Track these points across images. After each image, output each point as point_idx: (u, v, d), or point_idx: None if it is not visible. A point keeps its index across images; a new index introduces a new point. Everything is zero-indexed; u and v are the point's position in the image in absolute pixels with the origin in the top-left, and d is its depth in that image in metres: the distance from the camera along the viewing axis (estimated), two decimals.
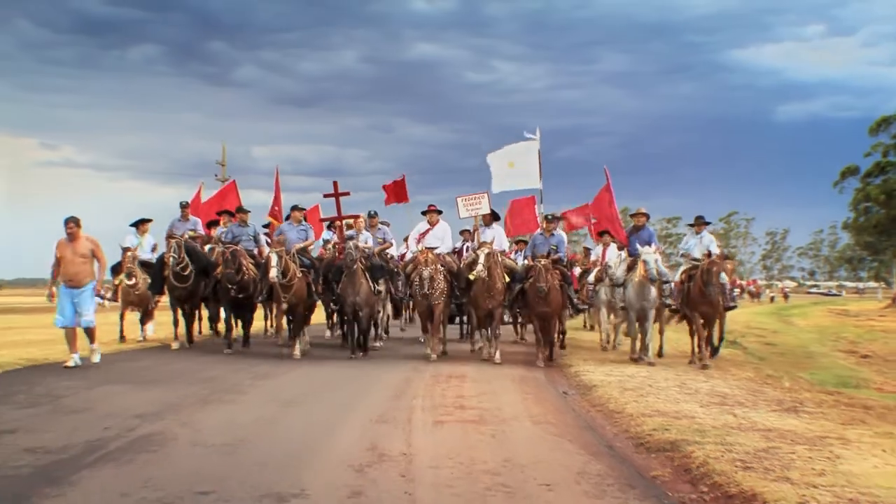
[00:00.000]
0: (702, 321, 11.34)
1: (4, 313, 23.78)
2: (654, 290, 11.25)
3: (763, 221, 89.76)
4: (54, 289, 9.80)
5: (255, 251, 12.48)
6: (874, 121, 41.35)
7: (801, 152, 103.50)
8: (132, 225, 13.46)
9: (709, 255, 11.08)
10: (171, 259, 11.85)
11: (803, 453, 5.45)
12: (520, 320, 15.17)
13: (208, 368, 10.01)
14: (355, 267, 11.46)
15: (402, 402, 7.68)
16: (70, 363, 9.55)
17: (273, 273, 11.01)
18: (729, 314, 12.93)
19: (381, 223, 13.69)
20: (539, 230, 12.66)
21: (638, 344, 11.49)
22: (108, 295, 14.06)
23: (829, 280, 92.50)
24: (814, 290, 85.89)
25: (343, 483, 4.61)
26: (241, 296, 11.90)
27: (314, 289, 12.12)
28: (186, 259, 11.96)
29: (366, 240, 12.51)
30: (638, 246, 11.42)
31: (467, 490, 4.54)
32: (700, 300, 11.07)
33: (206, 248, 12.98)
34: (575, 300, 12.41)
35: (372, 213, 13.43)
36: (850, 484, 4.58)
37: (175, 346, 12.24)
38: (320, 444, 5.74)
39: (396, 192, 15.49)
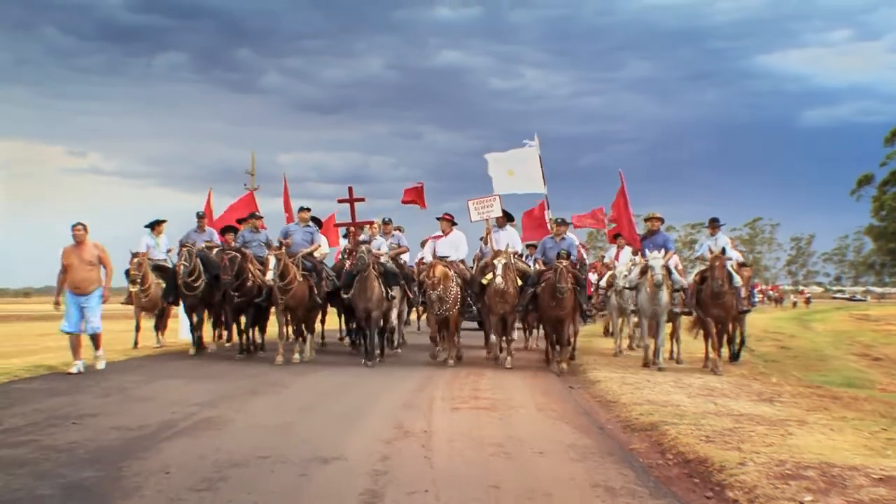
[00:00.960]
0: (714, 325, 11.36)
1: (37, 320, 25.09)
2: (665, 296, 11.27)
3: (789, 227, 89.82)
4: (60, 297, 9.90)
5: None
6: (889, 130, 41.86)
7: (828, 157, 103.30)
8: (147, 226, 13.56)
9: (722, 252, 11.09)
10: (181, 267, 11.88)
11: (762, 431, 6.43)
12: (523, 325, 15.27)
13: (250, 367, 11.07)
14: (367, 272, 11.42)
15: (424, 394, 8.75)
16: (73, 370, 9.67)
17: (269, 276, 11.08)
18: (749, 319, 13.06)
19: (396, 229, 13.80)
20: (549, 234, 12.63)
21: (650, 350, 11.45)
22: (123, 299, 13.47)
23: (855, 285, 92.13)
24: (839, 295, 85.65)
25: (375, 451, 5.68)
26: (242, 299, 12.10)
27: (316, 292, 12.02)
28: (200, 268, 12.02)
29: (379, 246, 12.49)
30: (647, 252, 11.47)
31: (475, 456, 5.60)
32: (711, 302, 11.10)
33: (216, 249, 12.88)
34: (585, 307, 12.11)
35: (386, 219, 13.54)
36: (789, 452, 5.56)
37: (211, 348, 12.81)
38: (355, 423, 6.82)
39: (416, 195, 15.61)
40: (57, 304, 10.02)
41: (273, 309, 12.32)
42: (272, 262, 11.11)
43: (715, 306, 11.14)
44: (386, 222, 13.53)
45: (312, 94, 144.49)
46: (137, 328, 13.47)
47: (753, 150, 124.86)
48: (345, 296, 11.95)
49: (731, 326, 12.18)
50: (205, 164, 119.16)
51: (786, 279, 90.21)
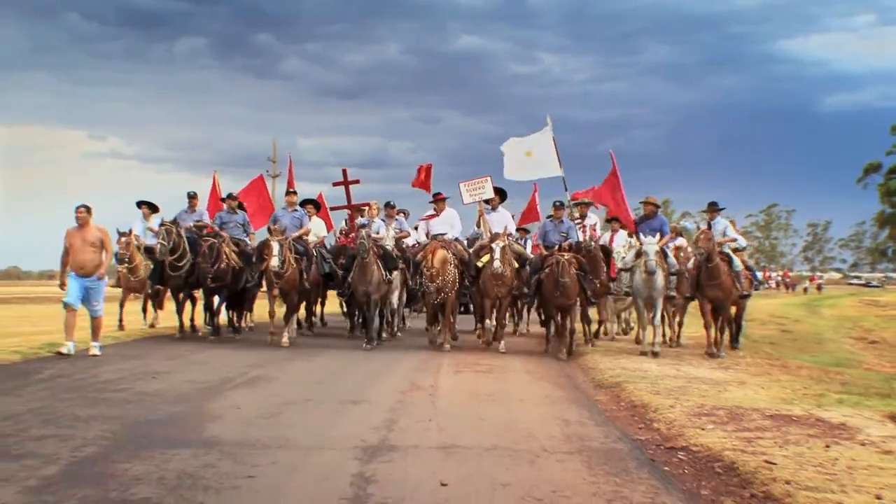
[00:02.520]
0: (711, 308, 11.47)
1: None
2: (661, 279, 11.28)
3: (808, 213, 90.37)
4: (66, 278, 9.90)
5: (246, 238, 12.92)
6: None
7: (847, 143, 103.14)
8: (138, 204, 13.64)
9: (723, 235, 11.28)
10: (159, 247, 11.81)
11: (704, 388, 7.99)
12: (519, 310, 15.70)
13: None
14: (368, 256, 11.58)
15: (433, 361, 10.41)
16: (63, 350, 9.58)
17: (274, 262, 11.40)
18: (757, 304, 13.54)
19: (400, 211, 13.77)
20: (548, 217, 12.53)
21: (647, 334, 11.49)
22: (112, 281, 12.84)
23: (872, 272, 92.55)
24: (854, 281, 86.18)
25: (392, 397, 7.33)
26: (214, 285, 12.25)
27: (306, 277, 12.33)
28: (186, 247, 12.03)
29: (377, 229, 12.39)
30: (642, 236, 11.48)
31: (469, 401, 7.24)
32: (709, 285, 11.26)
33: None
34: (588, 293, 11.71)
35: (391, 203, 13.22)
36: (715, 401, 7.13)
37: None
38: (376, 380, 8.50)
39: (425, 176, 15.31)
40: (62, 285, 10.06)
41: (248, 287, 12.87)
42: (275, 247, 11.49)
43: (711, 288, 11.27)
44: (390, 206, 13.22)
45: (333, 79, 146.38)
46: (122, 306, 13.50)
47: (773, 136, 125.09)
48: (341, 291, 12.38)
49: (732, 310, 12.30)
50: (225, 149, 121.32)
51: (802, 265, 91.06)
